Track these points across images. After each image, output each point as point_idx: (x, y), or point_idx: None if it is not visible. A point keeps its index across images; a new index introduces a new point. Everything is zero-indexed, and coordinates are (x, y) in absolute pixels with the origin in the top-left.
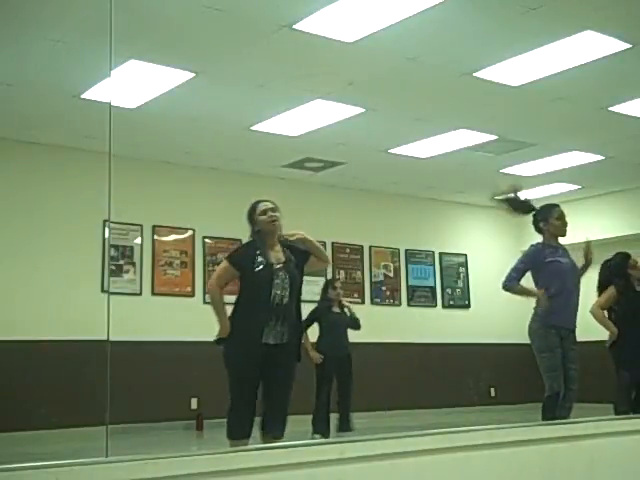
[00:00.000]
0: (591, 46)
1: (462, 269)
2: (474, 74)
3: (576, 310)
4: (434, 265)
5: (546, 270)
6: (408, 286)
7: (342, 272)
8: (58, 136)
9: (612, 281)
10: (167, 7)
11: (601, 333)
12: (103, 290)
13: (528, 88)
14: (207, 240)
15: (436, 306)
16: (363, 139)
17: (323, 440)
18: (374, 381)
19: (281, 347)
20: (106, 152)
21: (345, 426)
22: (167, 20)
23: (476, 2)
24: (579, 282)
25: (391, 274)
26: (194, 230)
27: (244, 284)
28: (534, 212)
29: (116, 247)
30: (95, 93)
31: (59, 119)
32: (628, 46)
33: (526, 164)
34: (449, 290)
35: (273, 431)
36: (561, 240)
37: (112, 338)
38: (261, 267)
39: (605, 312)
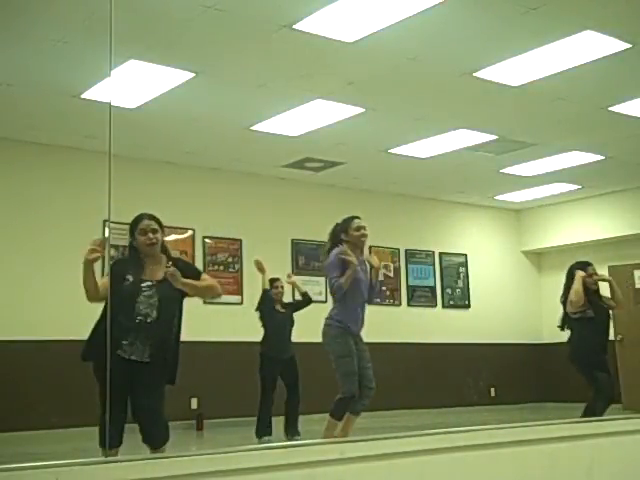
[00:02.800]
0: (591, 46)
1: (462, 269)
2: (474, 74)
3: (363, 320)
4: (434, 265)
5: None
6: (408, 286)
7: None
8: (58, 136)
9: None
10: (167, 7)
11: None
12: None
13: (528, 88)
14: (207, 240)
15: (436, 306)
16: (363, 139)
17: (323, 440)
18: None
19: (143, 365)
20: (106, 152)
21: (293, 430)
22: (167, 20)
23: (476, 2)
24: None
25: (391, 274)
26: (194, 230)
27: (111, 296)
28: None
29: (116, 247)
30: (95, 93)
31: (59, 119)
32: (628, 46)
33: (526, 164)
34: (449, 290)
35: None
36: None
37: None
38: (128, 282)
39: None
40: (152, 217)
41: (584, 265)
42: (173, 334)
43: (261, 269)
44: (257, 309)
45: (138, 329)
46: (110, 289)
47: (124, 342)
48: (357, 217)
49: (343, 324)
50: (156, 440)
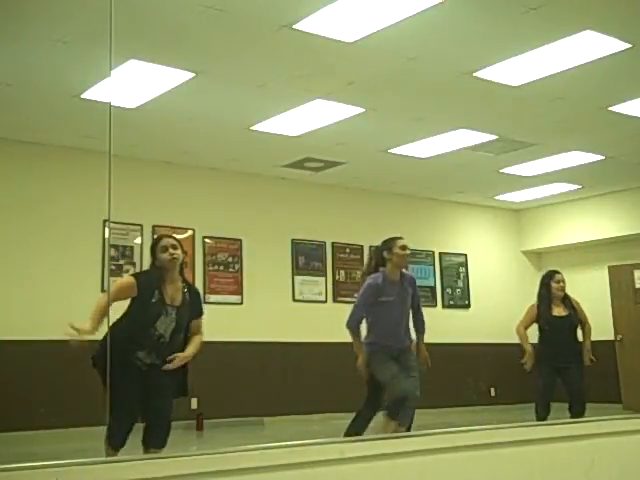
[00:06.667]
0: (591, 46)
1: (462, 269)
2: (474, 74)
3: (408, 332)
4: (434, 265)
5: (376, 308)
6: None
7: (342, 272)
8: (58, 136)
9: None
10: (167, 7)
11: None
12: (103, 290)
13: (528, 88)
14: (207, 240)
15: (436, 306)
16: (363, 139)
17: (323, 440)
18: None
19: (155, 369)
20: (106, 152)
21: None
22: (167, 20)
23: (476, 2)
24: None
25: None
26: (194, 230)
27: (134, 307)
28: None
29: (116, 247)
30: (95, 93)
31: (59, 119)
32: (628, 46)
33: (526, 164)
34: (449, 290)
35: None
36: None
37: None
38: (154, 301)
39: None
40: (170, 236)
41: (553, 273)
42: (180, 348)
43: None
44: None
45: (152, 346)
46: (136, 300)
47: (139, 353)
48: (400, 237)
49: (378, 344)
50: (159, 442)
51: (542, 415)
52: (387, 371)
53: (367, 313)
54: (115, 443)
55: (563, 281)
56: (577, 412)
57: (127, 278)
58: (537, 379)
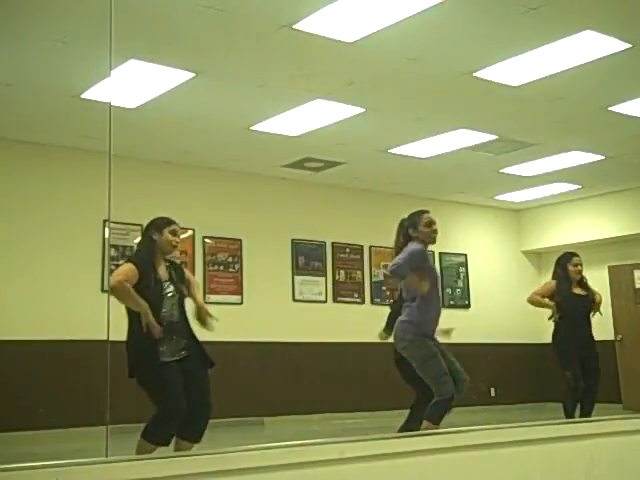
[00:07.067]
0: (591, 46)
1: (462, 269)
2: (474, 74)
3: (438, 320)
4: (434, 265)
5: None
6: None
7: (342, 272)
8: (58, 136)
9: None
10: (167, 7)
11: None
12: (103, 290)
13: (528, 88)
14: (207, 240)
15: None
16: (363, 139)
17: (323, 440)
18: (374, 381)
19: (186, 358)
20: (106, 152)
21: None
22: (167, 20)
23: (476, 2)
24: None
25: None
26: (194, 230)
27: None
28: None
29: (116, 247)
30: (95, 93)
31: (59, 119)
32: (628, 46)
33: (526, 164)
34: (449, 290)
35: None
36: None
37: (112, 338)
38: (153, 285)
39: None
40: (176, 223)
41: (571, 255)
42: (190, 332)
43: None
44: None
45: (168, 330)
46: (138, 286)
47: (163, 352)
48: (426, 211)
49: (419, 327)
50: (200, 434)
51: (572, 412)
52: (433, 365)
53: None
54: (162, 439)
55: (581, 264)
56: (587, 412)
57: (127, 265)
58: (566, 371)
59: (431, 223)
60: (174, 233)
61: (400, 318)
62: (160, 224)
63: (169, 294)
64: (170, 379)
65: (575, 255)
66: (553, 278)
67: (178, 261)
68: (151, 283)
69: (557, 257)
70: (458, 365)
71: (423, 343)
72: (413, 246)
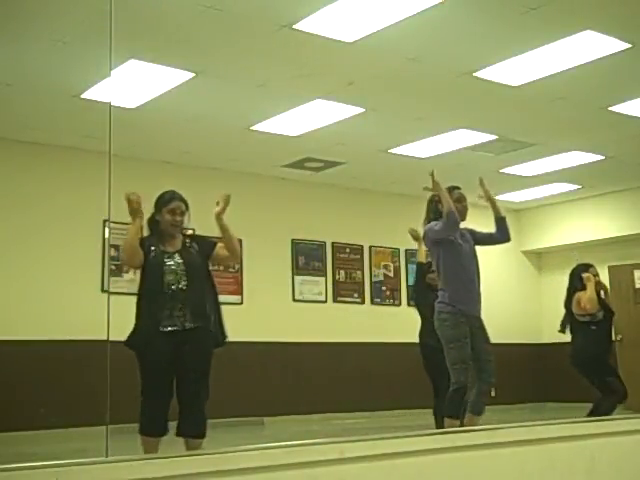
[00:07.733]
0: (591, 46)
1: None
2: (474, 74)
3: (479, 298)
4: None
5: (450, 254)
6: (408, 286)
7: (342, 272)
8: (58, 136)
9: (573, 285)
10: (167, 7)
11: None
12: (103, 290)
13: (528, 88)
14: None
15: None
16: (363, 139)
17: (323, 440)
18: (375, 381)
19: (187, 333)
20: (106, 152)
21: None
22: (167, 20)
23: (476, 2)
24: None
25: (391, 274)
26: (194, 230)
27: (142, 273)
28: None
29: (116, 247)
30: (95, 93)
31: (59, 119)
32: (628, 46)
33: (526, 164)
34: None
35: (187, 431)
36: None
37: (112, 338)
38: (153, 255)
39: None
40: (182, 199)
41: (587, 267)
42: (209, 301)
43: (416, 237)
44: (414, 290)
45: (172, 299)
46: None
47: (163, 319)
48: (457, 187)
49: (454, 306)
50: (194, 429)
51: (610, 411)
52: (454, 350)
53: (438, 258)
54: (152, 429)
55: (597, 275)
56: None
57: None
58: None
59: (461, 199)
60: (173, 212)
61: (438, 299)
62: (158, 203)
63: (172, 266)
64: (152, 377)
65: (591, 266)
66: (572, 291)
67: (189, 232)
68: (148, 257)
69: (571, 269)
70: (490, 365)
71: (455, 325)
72: (432, 224)
